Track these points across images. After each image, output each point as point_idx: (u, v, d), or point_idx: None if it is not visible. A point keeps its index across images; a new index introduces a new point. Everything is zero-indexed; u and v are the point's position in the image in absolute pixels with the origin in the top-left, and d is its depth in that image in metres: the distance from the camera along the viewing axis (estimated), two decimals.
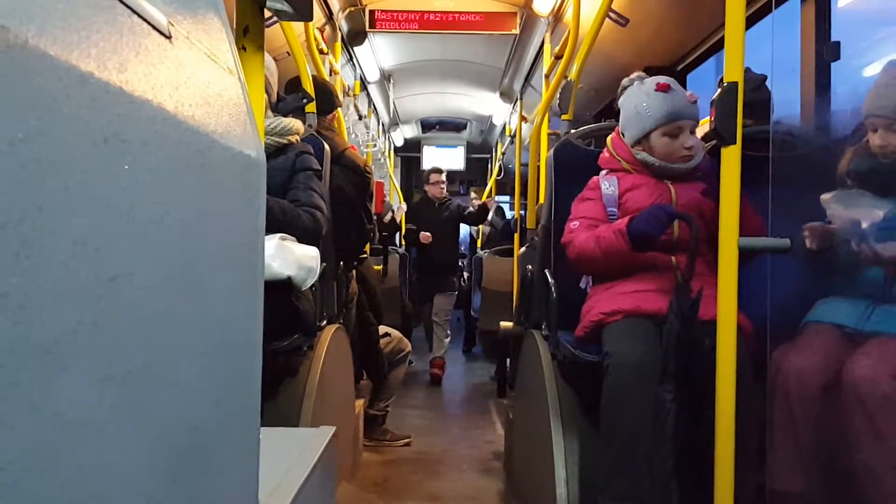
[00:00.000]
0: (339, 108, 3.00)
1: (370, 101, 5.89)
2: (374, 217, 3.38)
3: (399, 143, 8.44)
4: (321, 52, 3.40)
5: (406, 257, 5.64)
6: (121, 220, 0.42)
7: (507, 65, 5.31)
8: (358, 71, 4.99)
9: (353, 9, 4.21)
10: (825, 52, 2.13)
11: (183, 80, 0.52)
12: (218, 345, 0.59)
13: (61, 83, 0.36)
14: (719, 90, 1.24)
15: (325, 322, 2.20)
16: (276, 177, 1.93)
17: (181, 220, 0.51)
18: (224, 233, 0.61)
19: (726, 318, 1.26)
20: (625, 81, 1.90)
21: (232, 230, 0.63)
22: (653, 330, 1.57)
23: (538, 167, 3.17)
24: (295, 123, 2.04)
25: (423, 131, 8.51)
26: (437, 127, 8.37)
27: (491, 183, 6.95)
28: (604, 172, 1.91)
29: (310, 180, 2.01)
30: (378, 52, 5.12)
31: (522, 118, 4.92)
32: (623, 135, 1.89)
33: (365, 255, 3.18)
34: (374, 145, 5.87)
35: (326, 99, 2.72)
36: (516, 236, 4.55)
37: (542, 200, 2.65)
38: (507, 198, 8.81)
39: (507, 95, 5.92)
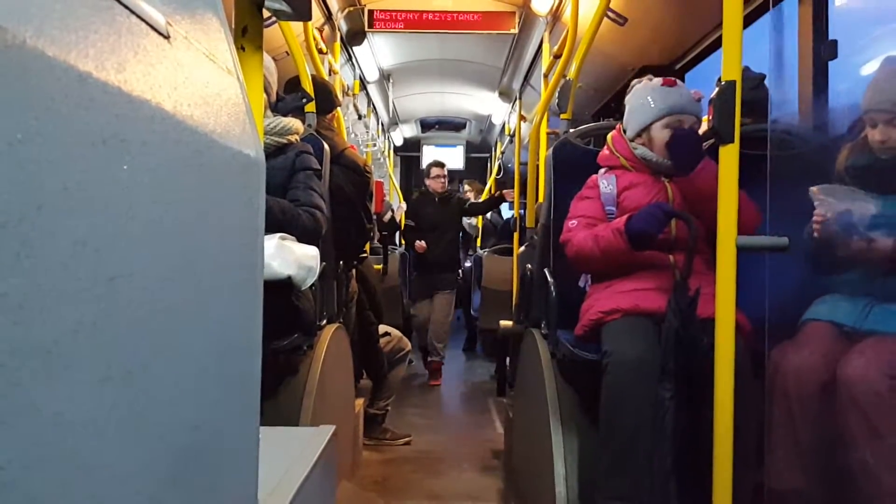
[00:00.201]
0: (338, 108, 3.00)
1: (369, 100, 5.89)
2: (374, 216, 3.38)
3: (398, 142, 8.45)
4: (320, 51, 3.40)
5: (406, 256, 5.64)
6: (120, 221, 0.42)
7: (505, 64, 5.31)
8: (357, 70, 4.99)
9: (351, 8, 4.21)
10: (823, 50, 2.13)
11: (182, 80, 0.52)
12: (218, 344, 0.59)
13: (60, 83, 0.36)
14: (717, 89, 1.25)
15: (324, 321, 2.20)
16: (275, 176, 1.93)
17: (180, 220, 0.51)
18: (224, 232, 0.61)
19: (724, 316, 1.26)
20: (634, 81, 1.93)
21: (231, 230, 0.63)
22: (651, 328, 1.58)
23: (537, 166, 3.17)
24: (294, 123, 2.04)
25: (423, 131, 8.51)
26: (437, 126, 8.38)
27: (490, 182, 6.95)
28: (602, 171, 1.92)
29: (309, 180, 2.01)
30: (377, 52, 5.12)
31: (521, 117, 4.92)
32: (625, 131, 1.91)
33: (365, 255, 3.18)
34: (374, 145, 5.87)
35: (326, 99, 2.72)
36: (515, 235, 4.55)
37: (541, 199, 2.65)
38: None
39: (506, 95, 5.92)
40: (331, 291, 2.34)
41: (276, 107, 2.22)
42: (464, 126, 8.26)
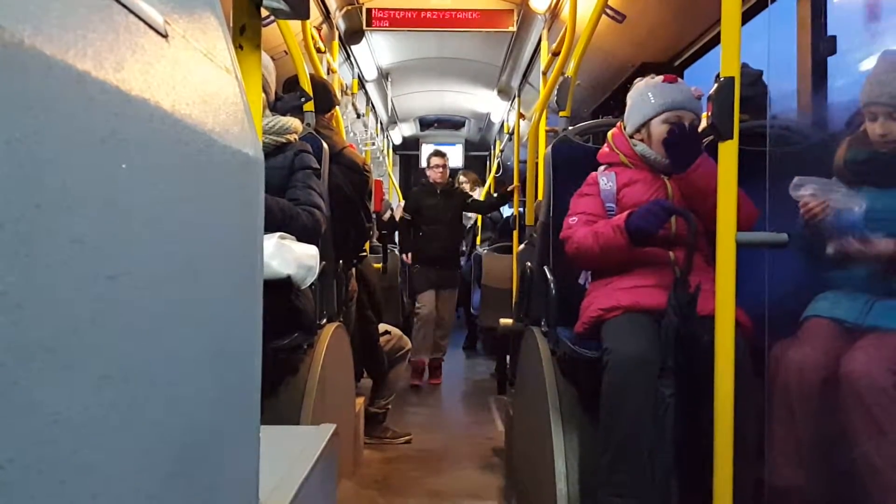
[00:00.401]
0: (337, 107, 3.00)
1: (368, 99, 5.89)
2: (373, 215, 3.38)
3: (397, 141, 8.45)
4: (319, 50, 3.40)
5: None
6: (119, 219, 0.42)
7: (504, 62, 5.31)
8: (356, 69, 4.99)
9: (350, 7, 4.21)
10: (821, 46, 2.13)
11: (180, 79, 0.52)
12: (218, 343, 0.59)
13: (58, 82, 0.36)
14: (716, 85, 1.25)
15: (324, 320, 2.20)
16: (274, 176, 1.93)
17: (179, 219, 0.51)
18: (223, 232, 0.61)
19: (724, 312, 1.26)
20: (637, 80, 1.94)
21: (231, 229, 0.63)
22: (651, 325, 1.57)
23: (536, 164, 3.17)
24: (293, 122, 2.04)
25: (422, 129, 8.52)
26: (436, 125, 8.38)
27: (490, 180, 6.95)
28: (602, 168, 1.92)
29: (308, 179, 2.01)
30: (375, 51, 5.11)
31: (520, 115, 4.92)
32: (625, 127, 1.92)
33: (364, 254, 3.18)
34: (373, 144, 5.87)
35: (324, 97, 2.71)
36: (515, 233, 4.55)
37: (540, 197, 2.65)
38: None
39: (504, 93, 5.92)
40: (330, 290, 2.34)
41: (275, 106, 2.22)
42: (463, 124, 8.26)
